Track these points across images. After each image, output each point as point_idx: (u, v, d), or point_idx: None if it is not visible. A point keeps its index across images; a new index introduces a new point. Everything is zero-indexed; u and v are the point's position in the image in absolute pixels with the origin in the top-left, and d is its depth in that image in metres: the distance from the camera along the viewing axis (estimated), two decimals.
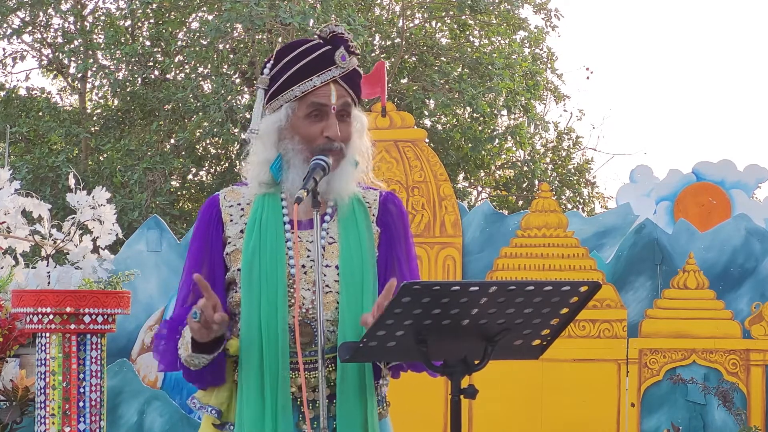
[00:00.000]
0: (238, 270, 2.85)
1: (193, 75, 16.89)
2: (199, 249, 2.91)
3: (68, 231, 6.42)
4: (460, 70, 17.28)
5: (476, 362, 2.62)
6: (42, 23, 17.85)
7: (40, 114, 17.37)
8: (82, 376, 5.59)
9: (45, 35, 18.06)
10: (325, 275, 2.84)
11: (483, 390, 2.75)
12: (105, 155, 16.92)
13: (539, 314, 2.58)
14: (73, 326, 5.56)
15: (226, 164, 18.19)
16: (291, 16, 14.42)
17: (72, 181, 6.35)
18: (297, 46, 2.90)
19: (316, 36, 2.93)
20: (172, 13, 17.64)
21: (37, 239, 6.61)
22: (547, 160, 19.29)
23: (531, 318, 2.59)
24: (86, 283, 6.06)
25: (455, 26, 18.22)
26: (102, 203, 6.35)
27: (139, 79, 17.15)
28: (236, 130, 15.99)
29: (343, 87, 2.89)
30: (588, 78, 29.35)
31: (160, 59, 17.23)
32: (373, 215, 2.94)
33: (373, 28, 17.32)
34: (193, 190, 18.53)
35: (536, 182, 17.93)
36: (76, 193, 6.29)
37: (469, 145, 17.18)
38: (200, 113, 16.01)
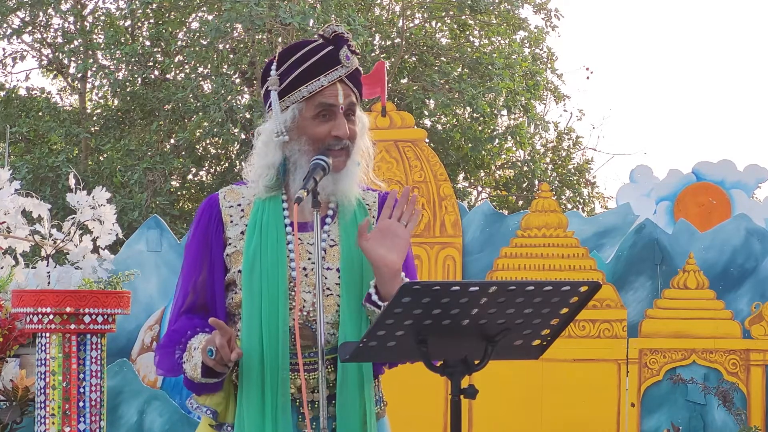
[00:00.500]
0: (239, 271, 2.84)
1: (193, 75, 16.89)
2: (198, 250, 2.90)
3: (68, 231, 6.41)
4: (460, 70, 17.28)
5: (476, 362, 2.63)
6: (42, 23, 17.85)
7: (40, 114, 17.37)
8: (82, 376, 5.59)
9: (45, 35, 18.07)
10: (326, 278, 2.83)
11: (483, 390, 2.75)
12: (105, 155, 16.92)
13: (539, 314, 2.59)
14: (73, 326, 5.55)
15: (226, 164, 18.18)
16: (291, 16, 14.42)
17: (72, 181, 6.35)
18: (301, 47, 2.89)
19: (318, 36, 2.93)
20: (172, 13, 17.64)
21: (37, 239, 6.61)
22: (547, 160, 19.29)
23: (531, 318, 2.59)
24: (86, 283, 6.05)
25: (455, 26, 18.22)
26: (102, 203, 6.35)
27: (139, 79, 17.15)
28: (236, 130, 15.99)
29: (349, 86, 2.90)
30: (588, 78, 29.35)
31: (160, 59, 17.23)
32: (373, 217, 2.94)
33: (373, 28, 17.32)
34: (193, 190, 18.53)
35: (536, 182, 17.93)
36: (76, 193, 6.29)
37: (469, 145, 17.19)
38: (200, 113, 16.01)
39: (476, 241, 7.53)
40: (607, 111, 38.25)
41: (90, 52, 17.23)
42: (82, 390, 5.58)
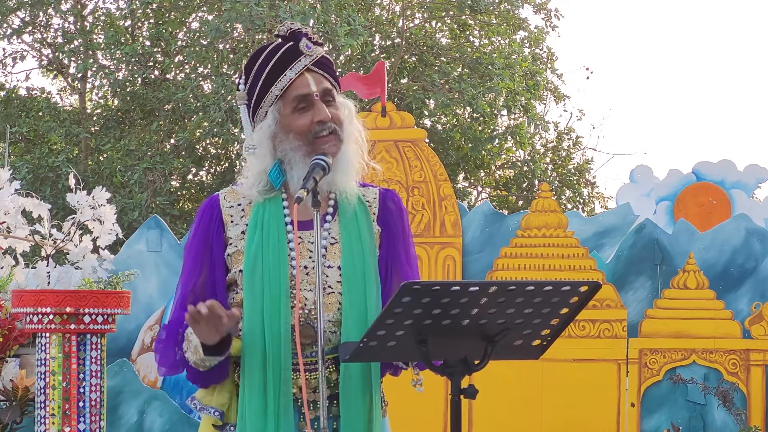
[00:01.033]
0: (240, 271, 2.84)
1: (193, 75, 16.89)
2: (198, 250, 2.90)
3: (68, 231, 6.41)
4: (460, 70, 17.28)
5: (476, 362, 2.62)
6: (42, 23, 17.85)
7: (40, 114, 17.37)
8: (82, 376, 5.59)
9: (45, 35, 18.06)
10: (327, 276, 2.83)
11: (483, 390, 2.75)
12: (105, 155, 16.92)
13: (539, 314, 2.59)
14: (73, 326, 5.55)
15: (226, 164, 18.18)
16: (291, 16, 14.41)
17: (72, 181, 6.35)
18: (261, 52, 2.91)
19: (275, 37, 2.94)
20: (172, 13, 17.64)
21: (37, 239, 6.61)
22: (547, 160, 19.28)
23: (531, 318, 2.59)
24: (86, 283, 6.05)
25: (455, 26, 18.22)
26: (102, 203, 6.35)
27: (139, 79, 17.15)
28: (236, 130, 15.99)
29: (319, 73, 2.88)
30: (588, 78, 29.32)
31: (160, 59, 17.23)
32: (374, 214, 2.94)
33: (373, 28, 17.32)
34: (193, 190, 18.53)
35: (536, 182, 17.93)
36: (76, 193, 6.29)
37: (469, 145, 17.19)
38: (200, 113, 16.01)
39: (476, 241, 7.53)
40: (607, 111, 38.31)
41: (90, 52, 17.23)
42: (82, 390, 5.58)
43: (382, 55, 17.41)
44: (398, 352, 2.60)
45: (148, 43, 17.54)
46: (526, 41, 18.62)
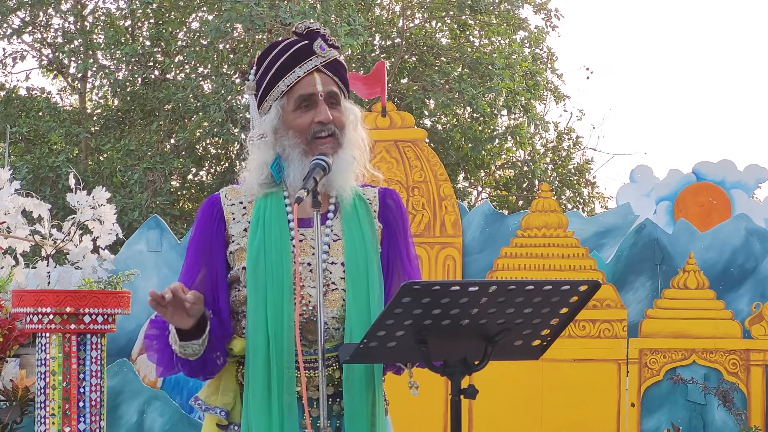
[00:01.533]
0: (243, 268, 2.84)
1: (193, 75, 16.89)
2: (199, 248, 2.89)
3: (68, 231, 6.42)
4: (460, 70, 17.27)
5: (476, 362, 2.62)
6: (42, 23, 17.85)
7: (40, 114, 17.37)
8: (82, 376, 5.59)
9: (45, 35, 18.06)
10: (331, 272, 2.83)
11: (483, 390, 2.75)
12: (105, 155, 16.92)
13: (539, 314, 2.58)
14: (73, 326, 5.55)
15: (226, 164, 18.18)
16: (291, 16, 14.41)
17: (72, 181, 6.35)
18: (275, 46, 2.91)
19: (292, 33, 2.94)
20: (172, 13, 17.64)
21: (37, 239, 6.61)
22: (547, 160, 19.28)
23: (531, 318, 2.59)
24: (86, 283, 6.06)
25: (455, 26, 18.22)
26: (102, 203, 6.35)
27: (139, 79, 17.15)
28: (236, 130, 15.99)
29: (328, 75, 2.89)
30: (588, 78, 29.34)
31: (160, 59, 17.23)
32: (375, 211, 2.94)
33: (373, 28, 17.32)
34: (193, 190, 18.53)
35: (536, 182, 17.93)
36: (76, 193, 6.29)
37: (469, 145, 17.18)
38: (200, 113, 16.01)
39: (476, 241, 7.53)
40: (607, 111, 38.32)
41: (90, 52, 17.23)
42: (82, 390, 5.58)
43: (382, 55, 17.41)
44: (398, 352, 2.60)
45: (148, 43, 17.54)
46: (526, 41, 18.62)
